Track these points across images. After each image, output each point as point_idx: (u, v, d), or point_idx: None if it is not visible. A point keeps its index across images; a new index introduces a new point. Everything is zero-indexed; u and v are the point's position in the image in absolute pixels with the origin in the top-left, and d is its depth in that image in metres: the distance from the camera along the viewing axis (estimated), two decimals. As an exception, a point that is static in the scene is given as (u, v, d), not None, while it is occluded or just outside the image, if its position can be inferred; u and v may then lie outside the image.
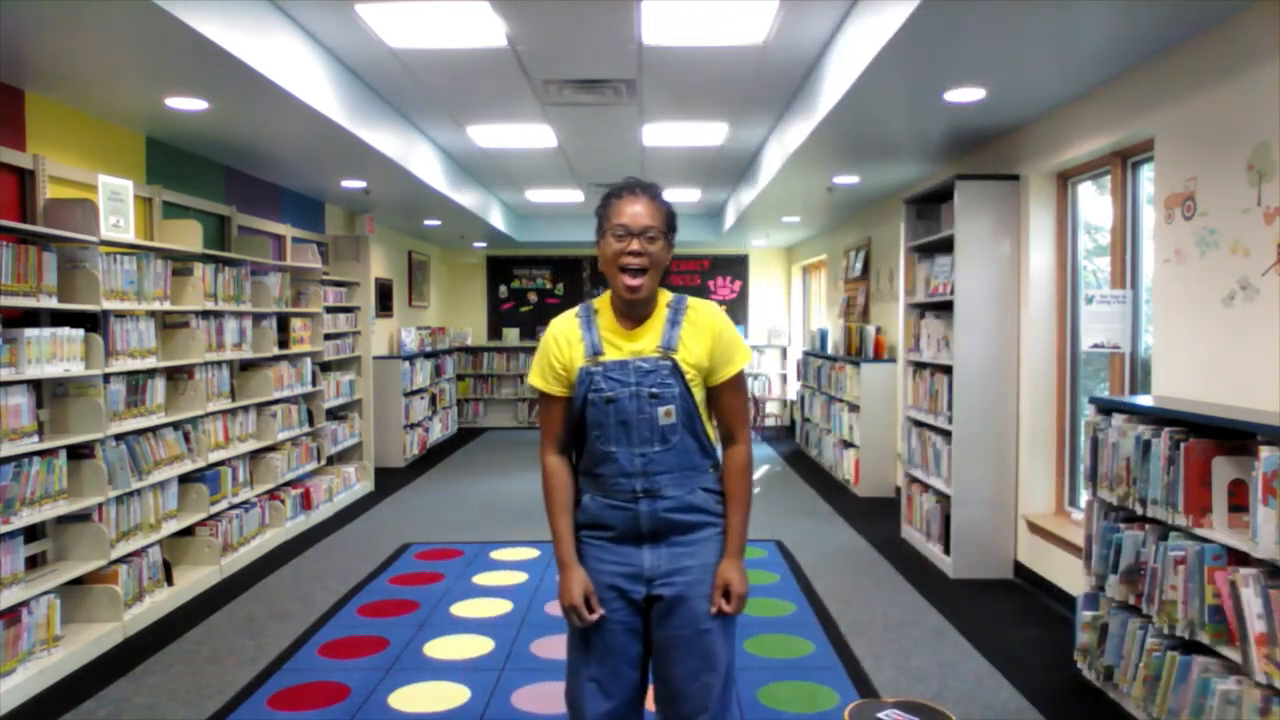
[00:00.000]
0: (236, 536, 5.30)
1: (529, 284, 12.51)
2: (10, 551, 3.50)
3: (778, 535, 6.03)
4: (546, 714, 3.31)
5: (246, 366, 5.82)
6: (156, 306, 4.57)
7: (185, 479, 4.90)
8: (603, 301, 2.14)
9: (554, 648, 3.94)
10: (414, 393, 9.46)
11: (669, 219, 2.09)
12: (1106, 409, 3.43)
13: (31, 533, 3.90)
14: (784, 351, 12.19)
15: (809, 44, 4.44)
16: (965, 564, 5.03)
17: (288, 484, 6.19)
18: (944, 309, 5.27)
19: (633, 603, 2.07)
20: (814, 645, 4.00)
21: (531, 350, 12.27)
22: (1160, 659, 2.97)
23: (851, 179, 6.60)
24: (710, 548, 2.08)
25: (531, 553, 5.60)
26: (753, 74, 4.93)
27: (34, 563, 3.90)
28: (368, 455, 7.89)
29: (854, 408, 7.67)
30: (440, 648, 4.00)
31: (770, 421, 11.94)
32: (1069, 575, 4.35)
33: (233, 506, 5.34)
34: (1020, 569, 5.00)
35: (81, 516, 4.03)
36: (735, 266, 12.35)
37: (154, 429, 4.57)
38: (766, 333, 12.26)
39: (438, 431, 10.36)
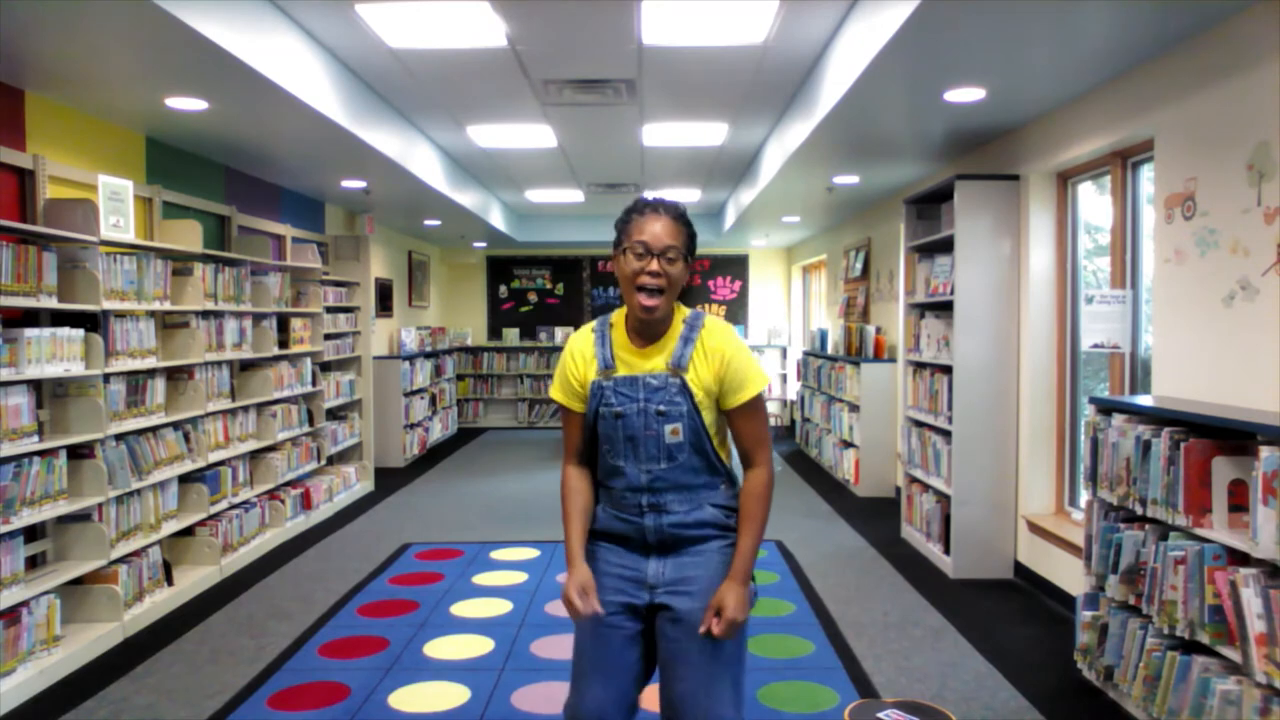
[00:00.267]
0: (236, 536, 5.30)
1: (529, 284, 12.51)
2: (10, 551, 3.50)
3: (778, 535, 6.03)
4: (546, 714, 3.31)
5: (246, 366, 5.82)
6: (156, 306, 4.57)
7: (185, 479, 4.90)
8: (619, 316, 2.13)
9: (554, 648, 3.94)
10: (414, 393, 9.45)
11: (690, 240, 2.06)
12: (1106, 409, 3.44)
13: (31, 533, 3.90)
14: (784, 351, 12.19)
15: (809, 44, 4.44)
16: (965, 564, 5.03)
17: (288, 484, 6.19)
18: (944, 309, 5.27)
19: (634, 609, 2.06)
20: (814, 645, 4.00)
21: (531, 350, 12.30)
22: (1160, 659, 2.97)
23: (851, 179, 6.60)
24: (718, 559, 2.06)
25: (531, 553, 5.60)
26: (753, 74, 4.93)
27: (34, 563, 3.90)
28: (368, 455, 7.89)
29: (854, 408, 7.67)
30: (440, 648, 4.00)
31: (770, 421, 11.92)
32: (1069, 575, 4.35)
33: (233, 506, 5.34)
34: (1020, 569, 5.00)
35: (81, 516, 4.03)
36: (735, 266, 12.35)
37: (154, 429, 4.58)
38: (766, 333, 12.26)
39: (438, 431, 10.36)
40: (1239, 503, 2.72)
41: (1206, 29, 3.29)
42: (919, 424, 5.72)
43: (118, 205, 4.29)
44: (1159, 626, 2.95)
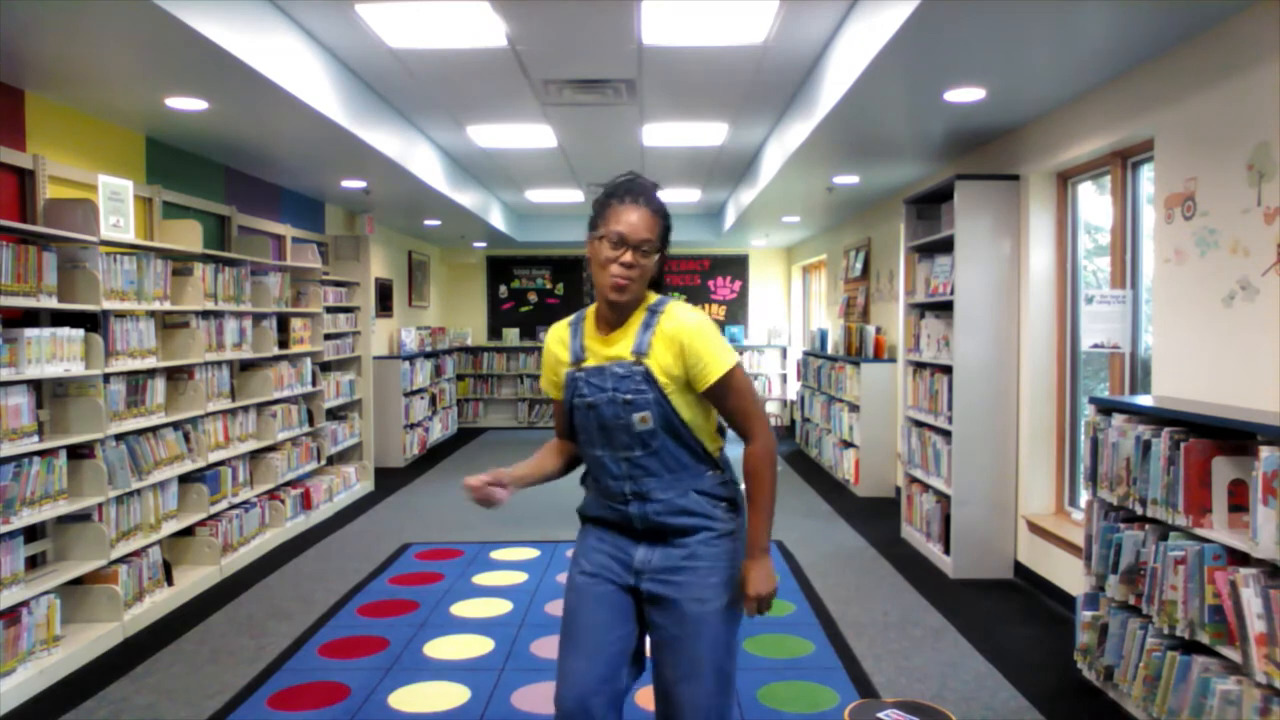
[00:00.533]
0: (236, 536, 5.30)
1: (529, 284, 12.51)
2: (10, 551, 3.50)
3: (778, 535, 6.02)
4: (547, 714, 3.31)
5: (246, 366, 5.82)
6: (156, 306, 4.57)
7: (185, 479, 4.90)
8: (593, 308, 2.14)
9: (554, 648, 3.92)
10: (414, 393, 9.45)
11: (665, 231, 2.06)
12: (1106, 409, 3.44)
13: (31, 533, 3.90)
14: (784, 351, 12.19)
15: (809, 44, 4.44)
16: (965, 564, 5.03)
17: (288, 484, 6.19)
18: (944, 309, 5.27)
19: (621, 586, 2.09)
20: (814, 645, 4.00)
21: (532, 350, 12.30)
22: (1160, 659, 2.97)
23: (851, 179, 6.60)
24: (706, 551, 2.04)
25: (531, 553, 5.60)
26: (753, 74, 4.93)
27: (34, 563, 3.90)
28: (368, 455, 7.89)
29: (854, 408, 7.67)
30: (440, 648, 4.00)
31: (770, 421, 11.92)
32: (1069, 575, 4.35)
33: (233, 506, 5.34)
34: (1020, 569, 5.00)
35: (81, 516, 4.03)
36: (735, 266, 12.35)
37: (154, 429, 4.58)
38: (766, 333, 12.26)
39: (438, 431, 10.36)
40: (1239, 503, 2.72)
41: (1206, 29, 3.29)
42: (919, 424, 5.72)
43: (118, 205, 4.29)
44: (1159, 626, 2.95)
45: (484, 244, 11.73)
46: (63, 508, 3.81)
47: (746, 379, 2.06)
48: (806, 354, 9.90)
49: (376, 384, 8.46)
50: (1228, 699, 2.61)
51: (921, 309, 5.64)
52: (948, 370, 5.13)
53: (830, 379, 8.53)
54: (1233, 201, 3.15)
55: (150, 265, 4.52)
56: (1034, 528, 4.78)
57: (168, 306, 4.68)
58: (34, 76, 3.84)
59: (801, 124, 5.24)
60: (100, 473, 4.00)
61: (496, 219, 9.68)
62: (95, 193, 4.22)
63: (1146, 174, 4.09)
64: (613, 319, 2.06)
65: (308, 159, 5.82)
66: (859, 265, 8.36)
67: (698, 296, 12.37)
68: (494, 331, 12.50)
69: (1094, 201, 4.79)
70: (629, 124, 6.10)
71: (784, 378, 12.16)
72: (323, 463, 6.80)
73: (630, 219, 2.00)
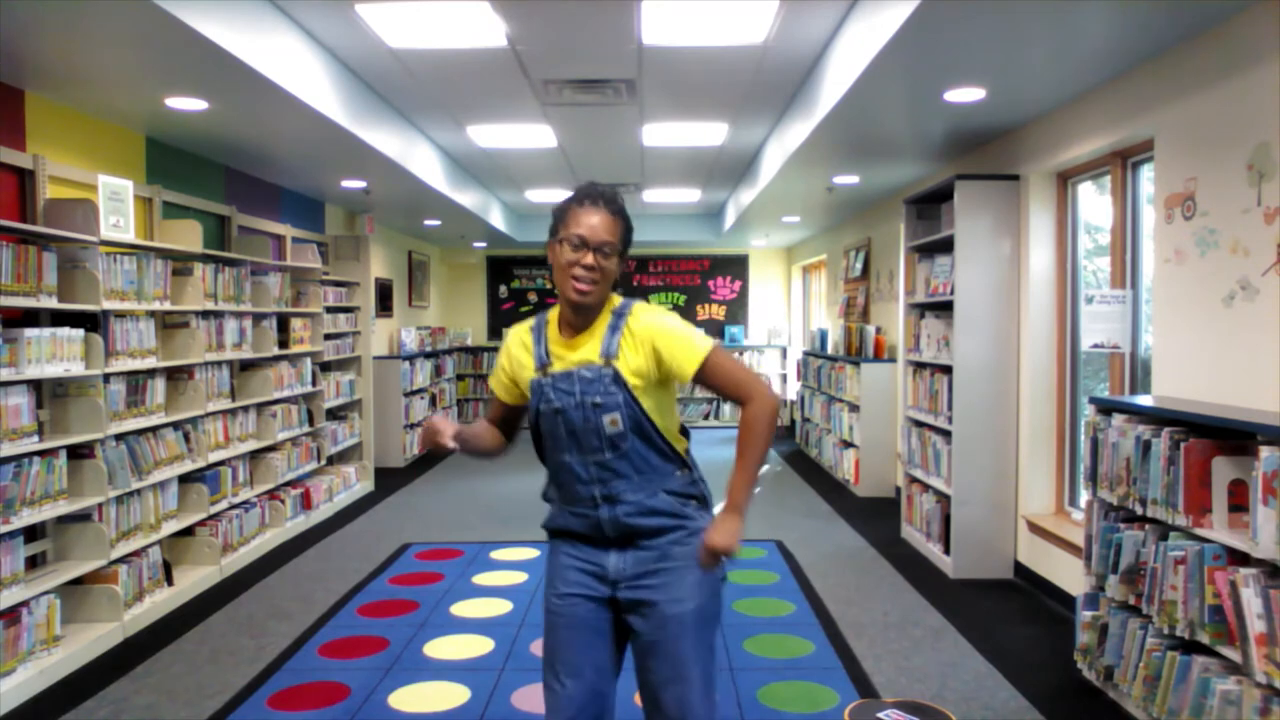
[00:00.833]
0: (236, 536, 5.30)
1: (529, 284, 12.51)
2: (10, 551, 3.50)
3: (778, 535, 6.03)
4: (546, 714, 3.31)
5: (246, 366, 5.82)
6: (156, 306, 4.57)
7: (185, 479, 4.90)
8: (555, 313, 2.13)
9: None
10: (414, 393, 9.46)
11: (626, 235, 2.07)
12: (1106, 409, 3.43)
13: (31, 533, 3.90)
14: (784, 351, 12.19)
15: (809, 44, 4.44)
16: (965, 564, 5.03)
17: (288, 484, 6.19)
18: (944, 309, 5.27)
19: (597, 600, 2.08)
20: (814, 645, 4.00)
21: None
22: (1160, 659, 2.97)
23: (851, 179, 6.60)
24: (678, 550, 2.05)
25: (531, 553, 5.60)
26: (753, 74, 4.93)
27: (34, 563, 3.90)
28: (368, 455, 7.89)
29: (854, 408, 7.67)
30: (440, 648, 4.00)
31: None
32: (1069, 575, 4.35)
33: (233, 506, 5.34)
34: (1020, 569, 5.00)
35: (81, 516, 4.03)
36: (735, 266, 12.35)
37: (154, 429, 4.58)
38: (766, 333, 12.26)
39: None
40: (1239, 503, 2.72)
41: (1206, 29, 3.29)
42: (919, 424, 5.72)
43: (118, 205, 4.29)
44: (1159, 626, 2.95)
45: (484, 244, 11.73)
46: (63, 508, 3.81)
47: (727, 354, 2.07)
48: (806, 354, 9.90)
49: (376, 384, 8.46)
50: (1228, 699, 2.61)
51: (921, 309, 5.64)
52: (948, 370, 5.13)
53: (830, 379, 8.53)
54: (1233, 201, 3.15)
55: (150, 265, 4.52)
56: (1034, 528, 4.77)
57: (168, 306, 4.68)
58: (34, 76, 3.84)
59: (801, 124, 5.24)
60: (100, 473, 4.00)
61: (496, 219, 9.68)
62: (95, 193, 4.22)
63: (1146, 174, 4.09)
64: (577, 323, 2.06)
65: (308, 159, 5.82)
66: (859, 265, 8.36)
67: (698, 296, 12.37)
68: (494, 331, 12.50)
69: (1094, 201, 4.79)
70: (629, 124, 6.10)
71: (784, 378, 12.16)
72: (323, 463, 6.80)
73: (590, 221, 2.00)
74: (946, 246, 5.24)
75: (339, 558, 5.55)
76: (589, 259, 1.99)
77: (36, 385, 3.85)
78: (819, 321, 10.61)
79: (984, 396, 4.99)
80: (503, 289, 12.54)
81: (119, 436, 4.26)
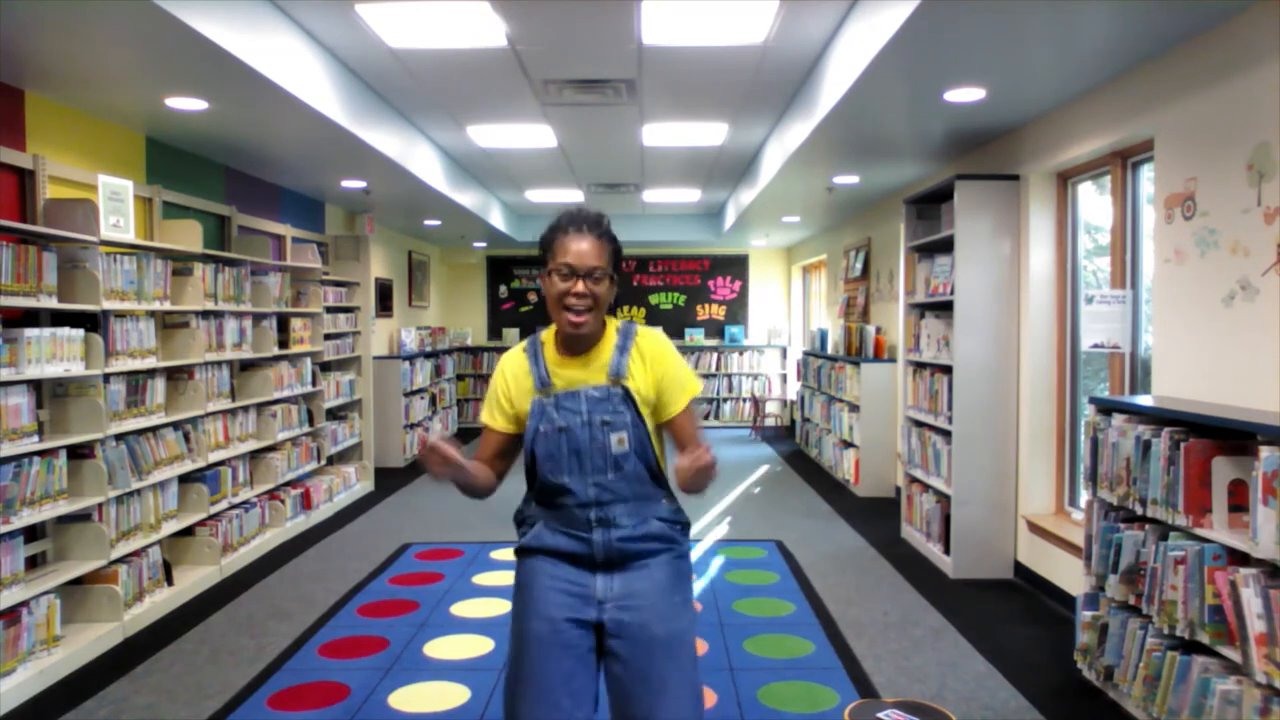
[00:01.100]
0: (236, 536, 5.30)
1: (529, 284, 12.51)
2: (10, 551, 3.50)
3: (778, 535, 6.03)
4: (546, 714, 3.31)
5: (246, 366, 5.82)
6: (156, 306, 4.57)
7: (185, 479, 4.90)
8: (549, 334, 2.11)
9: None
10: (414, 393, 9.46)
11: (615, 256, 2.05)
12: (1106, 409, 3.43)
13: (31, 533, 3.90)
14: (784, 351, 12.19)
15: (809, 44, 4.44)
16: (965, 564, 5.03)
17: (288, 484, 6.19)
18: (944, 309, 5.27)
19: (584, 624, 2.00)
20: (814, 645, 4.00)
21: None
22: (1160, 659, 2.97)
23: (851, 179, 6.60)
24: (663, 571, 2.03)
25: (531, 553, 5.59)
26: (753, 74, 4.93)
27: (34, 563, 3.90)
28: (368, 455, 7.89)
29: (854, 408, 7.67)
30: (440, 648, 4.00)
31: (770, 421, 11.94)
32: (1069, 575, 4.35)
33: (233, 506, 5.34)
34: (1020, 569, 5.00)
35: (81, 516, 4.03)
36: (735, 266, 12.35)
37: (154, 429, 4.57)
38: (766, 333, 12.26)
39: (438, 431, 10.35)
40: (1239, 503, 2.72)
41: (1206, 29, 3.29)
42: (919, 424, 5.72)
43: (118, 205, 4.29)
44: (1159, 626, 2.95)
45: (484, 244, 11.73)
46: (63, 508, 3.81)
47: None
48: (806, 354, 9.90)
49: (376, 384, 8.46)
50: (1228, 699, 2.61)
51: (921, 309, 5.64)
52: (948, 370, 5.13)
53: (830, 379, 8.53)
54: (1233, 201, 3.15)
55: (150, 265, 4.52)
56: (1034, 528, 4.77)
57: (168, 306, 4.68)
58: (34, 76, 3.84)
59: (801, 124, 5.24)
60: (100, 473, 4.00)
61: (496, 219, 9.68)
62: (95, 193, 4.22)
63: (1146, 174, 4.09)
64: (579, 345, 2.05)
65: (308, 159, 5.82)
66: (859, 265, 8.36)
67: (698, 296, 12.37)
68: (494, 331, 12.50)
69: (1094, 201, 4.79)
70: (629, 124, 6.10)
71: (784, 378, 12.16)
72: (323, 463, 6.80)
73: (578, 248, 1.99)
74: (946, 246, 5.24)
75: (339, 558, 5.55)
76: (579, 286, 1.98)
77: (36, 385, 3.85)
78: (819, 321, 10.61)
79: (984, 396, 4.99)
80: (503, 289, 12.54)
81: (119, 436, 4.26)
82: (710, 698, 3.41)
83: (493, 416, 2.13)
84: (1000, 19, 3.20)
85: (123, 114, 4.51)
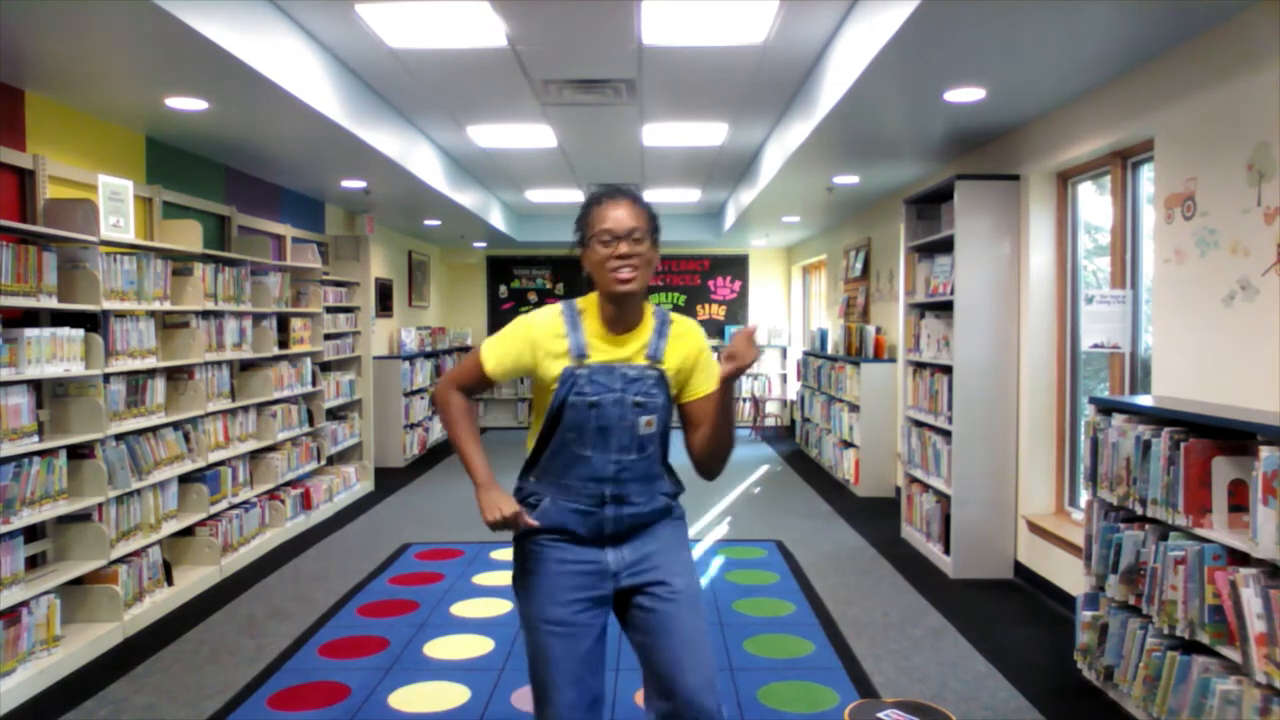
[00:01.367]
0: (236, 536, 5.30)
1: (529, 284, 12.51)
2: (10, 551, 3.50)
3: (778, 535, 6.03)
4: (546, 714, 3.31)
5: (246, 366, 5.82)
6: (156, 306, 4.57)
7: (185, 479, 4.90)
8: (588, 303, 2.08)
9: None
10: (414, 393, 9.46)
11: (652, 220, 2.06)
12: (1106, 409, 3.43)
13: (31, 533, 3.90)
14: (784, 351, 12.19)
15: (809, 44, 4.44)
16: (965, 564, 5.03)
17: (288, 484, 6.19)
18: (944, 309, 5.27)
19: (601, 600, 2.04)
20: (814, 645, 4.00)
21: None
22: (1160, 659, 2.97)
23: (851, 179, 6.60)
24: (667, 531, 2.10)
25: (531, 553, 5.59)
26: (753, 74, 4.93)
27: (34, 563, 3.90)
28: (368, 455, 7.89)
29: (854, 408, 7.67)
30: (440, 648, 4.00)
31: (770, 421, 11.94)
32: (1069, 575, 4.35)
33: (233, 506, 5.34)
34: (1020, 569, 5.00)
35: (81, 516, 4.03)
36: (735, 266, 12.35)
37: (154, 429, 4.58)
38: (766, 333, 12.26)
39: (438, 431, 10.36)
40: (1239, 503, 2.72)
41: (1206, 29, 3.29)
42: (919, 424, 5.72)
43: (118, 205, 4.29)
44: (1159, 626, 2.95)
45: (484, 244, 11.73)
46: (63, 508, 3.81)
47: None
48: (806, 354, 9.91)
49: (376, 384, 8.46)
50: (1228, 699, 2.61)
51: (921, 309, 5.64)
52: (948, 370, 5.13)
53: (830, 379, 8.53)
54: (1233, 201, 3.15)
55: (150, 265, 4.52)
56: (1034, 528, 4.77)
57: (168, 306, 4.68)
58: (34, 76, 3.84)
59: (801, 124, 5.24)
60: (100, 473, 4.00)
61: (496, 219, 9.68)
62: (95, 193, 4.22)
63: (1146, 174, 4.09)
64: (620, 318, 2.04)
65: (308, 159, 5.82)
66: (859, 265, 8.36)
67: (698, 296, 12.37)
68: (494, 331, 12.41)
69: (1094, 201, 4.79)
70: (629, 124, 6.10)
71: (784, 378, 12.16)
72: (323, 463, 6.80)
73: (615, 214, 2.00)
74: (946, 246, 5.24)
75: (339, 558, 5.55)
76: (623, 248, 1.97)
77: (36, 385, 3.85)
78: (819, 321, 10.61)
79: (984, 396, 4.99)
80: (503, 289, 12.54)
81: (119, 436, 4.26)
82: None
83: (498, 363, 2.06)
84: (1000, 19, 3.20)
85: (123, 114, 4.51)
